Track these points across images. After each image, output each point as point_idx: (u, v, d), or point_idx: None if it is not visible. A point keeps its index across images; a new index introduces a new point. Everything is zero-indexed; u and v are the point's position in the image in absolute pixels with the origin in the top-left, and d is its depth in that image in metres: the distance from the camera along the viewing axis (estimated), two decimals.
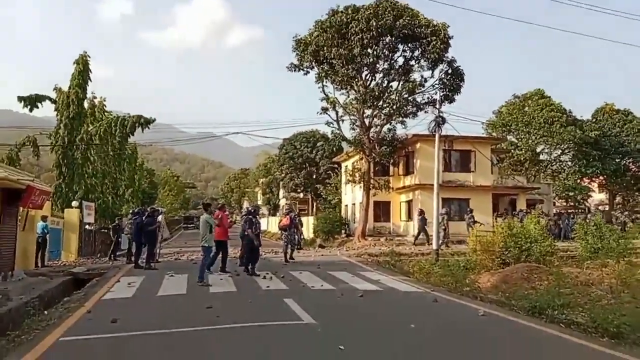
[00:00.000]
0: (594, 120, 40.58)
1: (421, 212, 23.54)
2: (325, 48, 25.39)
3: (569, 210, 29.01)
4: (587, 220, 17.58)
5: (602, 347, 6.30)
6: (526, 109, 36.97)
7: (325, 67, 26.16)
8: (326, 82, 26.87)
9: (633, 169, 40.53)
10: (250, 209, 14.54)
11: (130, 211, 20.67)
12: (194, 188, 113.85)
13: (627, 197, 44.06)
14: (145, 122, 29.71)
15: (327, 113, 27.19)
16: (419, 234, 23.56)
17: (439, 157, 16.98)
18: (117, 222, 20.36)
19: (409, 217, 28.96)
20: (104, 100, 32.84)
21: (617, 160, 39.07)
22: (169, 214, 62.20)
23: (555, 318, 7.73)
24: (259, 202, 65.25)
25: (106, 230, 23.56)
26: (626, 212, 27.22)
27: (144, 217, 15.41)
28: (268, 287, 10.96)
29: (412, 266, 15.41)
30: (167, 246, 27.81)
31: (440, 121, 16.28)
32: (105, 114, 32.09)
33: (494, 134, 36.98)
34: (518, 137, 37.28)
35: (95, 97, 32.23)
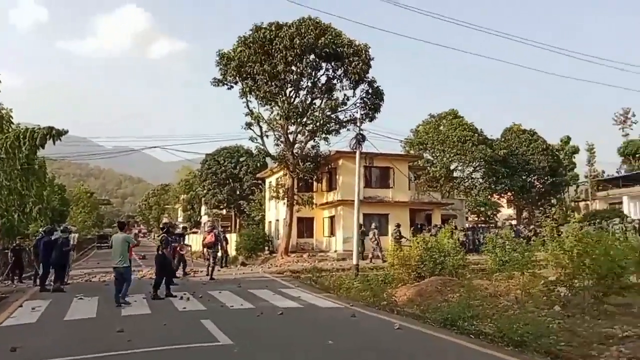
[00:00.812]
0: (503, 139, 43.41)
1: (361, 226, 24.13)
2: (248, 64, 25.38)
3: (480, 225, 30.74)
4: (496, 234, 18.67)
5: (507, 355, 6.68)
6: (441, 128, 38.95)
7: (249, 83, 26.11)
8: (250, 97, 26.81)
9: (537, 186, 43.69)
10: (164, 226, 13.96)
11: (41, 229, 19.22)
12: (109, 205, 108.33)
13: (532, 212, 47.41)
14: (57, 134, 27.79)
15: (251, 128, 27.10)
16: (364, 249, 24.00)
17: (360, 173, 17.39)
18: (17, 242, 18.87)
19: (332, 233, 29.32)
20: (11, 111, 30.46)
21: (523, 178, 41.97)
22: (82, 232, 58.61)
23: (465, 329, 8.09)
24: (180, 219, 63.30)
25: (7, 251, 21.76)
26: (531, 226, 29.30)
27: (52, 237, 14.42)
28: (185, 308, 10.61)
29: (333, 282, 15.56)
30: (77, 267, 26.16)
31: (360, 139, 16.75)
32: (13, 125, 29.75)
33: (411, 151, 38.54)
34: (434, 154, 39.12)
35: (2, 108, 29.82)
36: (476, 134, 38.56)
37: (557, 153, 45.65)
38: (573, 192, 59.43)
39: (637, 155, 60.10)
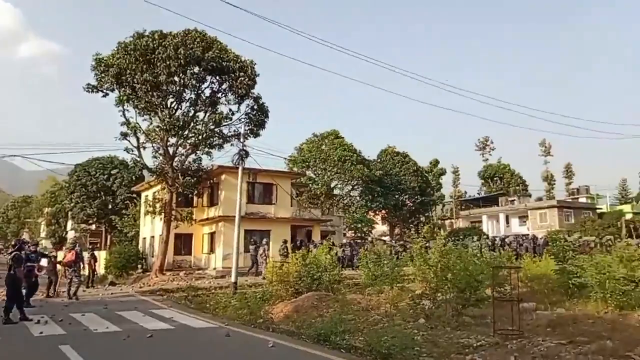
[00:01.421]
0: (379, 160, 46.01)
1: (255, 242, 24.12)
2: (128, 71, 24.04)
3: (356, 240, 32.04)
4: (369, 250, 19.56)
5: None
6: (323, 147, 40.17)
7: (128, 91, 24.73)
8: (128, 106, 25.36)
9: (408, 204, 46.81)
10: (16, 243, 12.53)
11: None
12: None
13: (403, 229, 50.56)
14: None
15: (127, 139, 25.52)
16: (255, 265, 23.90)
17: (242, 189, 17.22)
18: None
19: (212, 249, 28.60)
20: None
21: (396, 196, 44.74)
22: None
23: (337, 344, 8.32)
24: (42, 235, 57.56)
25: None
26: (401, 242, 31.25)
27: None
28: (41, 332, 9.62)
29: (209, 301, 15.15)
30: None
31: (243, 154, 16.67)
32: None
33: (294, 168, 39.16)
34: (315, 172, 40.15)
35: None
36: (355, 154, 40.31)
37: (426, 174, 49.30)
38: (440, 210, 64.66)
39: (495, 178, 67.25)
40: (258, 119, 27.06)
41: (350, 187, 41.56)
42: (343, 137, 40.68)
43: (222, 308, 13.72)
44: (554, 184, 68.45)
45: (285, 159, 39.54)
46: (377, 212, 45.19)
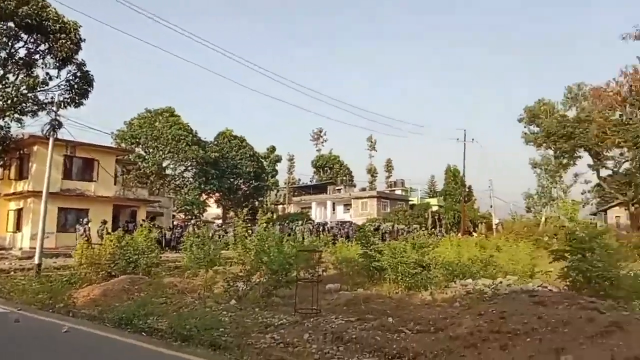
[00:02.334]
0: (216, 142, 45.54)
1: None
2: None
3: (181, 223, 31.34)
4: (193, 233, 19.47)
5: (171, 350, 7.04)
6: (157, 124, 38.31)
7: None
8: None
9: (244, 188, 47.30)
10: None
11: None
12: None
13: (238, 213, 50.89)
14: None
15: None
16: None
17: (52, 162, 15.71)
18: None
19: (18, 228, 25.66)
20: None
21: (231, 180, 44.85)
22: None
23: (139, 327, 8.23)
24: None
25: None
26: (224, 226, 31.60)
27: None
28: None
29: (4, 284, 13.67)
30: None
31: (56, 125, 15.18)
32: None
33: (123, 144, 36.79)
34: (147, 150, 38.18)
35: None
36: (191, 135, 39.31)
37: (262, 160, 50.22)
38: (274, 196, 66.52)
39: (325, 168, 71.33)
40: (81, 87, 24.88)
41: (184, 167, 40.46)
42: (179, 116, 39.30)
43: (19, 292, 12.50)
44: (377, 176, 75.06)
45: (111, 134, 36.87)
46: (210, 195, 44.79)
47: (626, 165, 31.94)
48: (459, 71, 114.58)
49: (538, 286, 11.68)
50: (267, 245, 12.22)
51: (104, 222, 23.51)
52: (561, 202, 36.24)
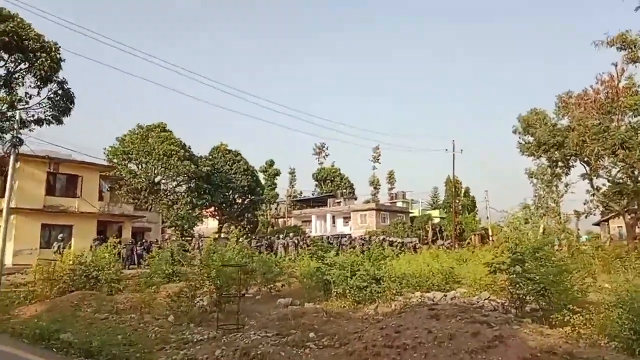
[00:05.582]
0: (210, 157, 45.78)
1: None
2: None
3: (151, 240, 31.07)
4: (163, 248, 19.54)
5: None
6: (149, 139, 38.60)
7: None
8: None
9: (239, 202, 47.40)
10: None
11: None
12: None
13: (235, 226, 50.97)
14: None
15: None
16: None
17: (12, 181, 15.85)
18: None
19: None
20: None
21: (225, 194, 44.99)
22: None
23: (51, 343, 8.26)
24: None
25: None
26: (224, 237, 31.60)
27: None
28: None
29: None
30: None
31: (17, 142, 15.35)
32: None
33: (115, 160, 37.16)
34: (139, 165, 38.45)
35: None
36: (183, 150, 39.54)
37: (256, 173, 50.33)
38: (274, 209, 66.55)
39: (327, 181, 71.32)
40: (63, 105, 25.33)
41: (176, 182, 40.70)
42: (170, 131, 39.57)
43: None
44: (379, 188, 74.72)
45: (105, 149, 37.40)
46: (204, 209, 44.94)
47: (616, 173, 31.34)
48: (461, 78, 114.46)
49: (485, 299, 11.49)
50: (211, 260, 12.24)
51: (95, 240, 23.86)
52: (552, 213, 35.93)
